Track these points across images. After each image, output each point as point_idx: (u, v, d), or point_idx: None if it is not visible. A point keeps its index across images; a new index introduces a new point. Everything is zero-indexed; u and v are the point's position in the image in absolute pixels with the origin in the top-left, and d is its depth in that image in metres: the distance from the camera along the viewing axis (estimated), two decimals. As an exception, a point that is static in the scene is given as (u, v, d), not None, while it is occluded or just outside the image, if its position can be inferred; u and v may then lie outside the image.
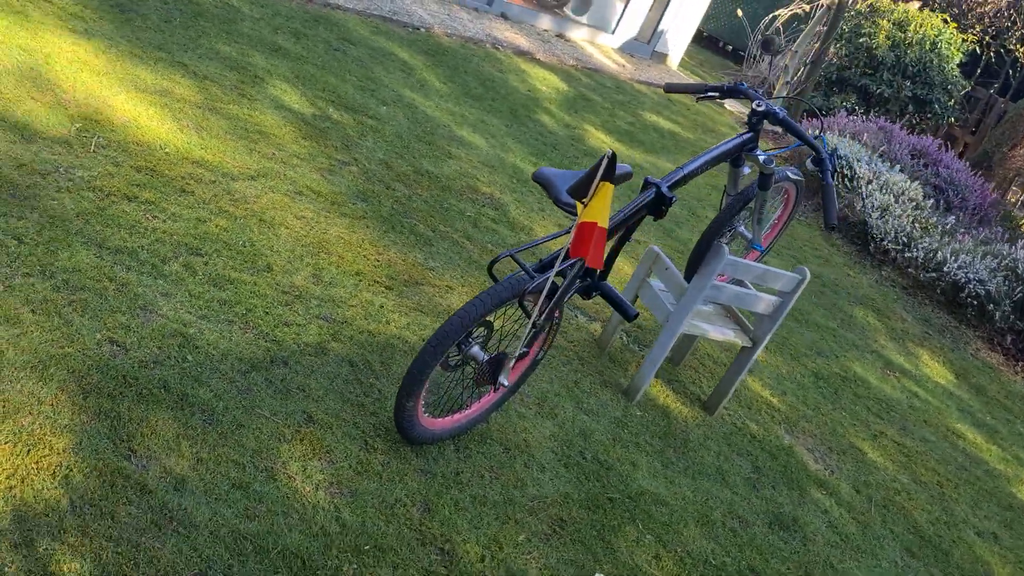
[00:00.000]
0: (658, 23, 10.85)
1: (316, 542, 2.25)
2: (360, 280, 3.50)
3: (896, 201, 7.08)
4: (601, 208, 2.28)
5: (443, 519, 2.54)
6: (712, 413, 3.86)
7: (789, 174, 3.57)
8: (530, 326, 2.72)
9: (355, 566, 2.24)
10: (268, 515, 2.27)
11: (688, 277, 3.51)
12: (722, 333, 3.69)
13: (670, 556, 2.87)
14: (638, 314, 3.05)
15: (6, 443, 2.11)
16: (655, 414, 3.61)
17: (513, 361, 2.74)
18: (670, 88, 3.22)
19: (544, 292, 2.62)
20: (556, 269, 2.58)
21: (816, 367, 4.83)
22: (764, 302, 3.62)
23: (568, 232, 2.76)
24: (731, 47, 14.09)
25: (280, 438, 2.54)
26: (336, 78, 5.47)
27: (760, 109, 3.06)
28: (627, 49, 10.81)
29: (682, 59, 11.30)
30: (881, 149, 7.94)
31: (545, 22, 9.76)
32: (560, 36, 9.79)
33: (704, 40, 14.11)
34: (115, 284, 2.82)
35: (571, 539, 2.74)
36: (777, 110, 3.10)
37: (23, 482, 2.04)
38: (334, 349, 3.02)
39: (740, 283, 3.83)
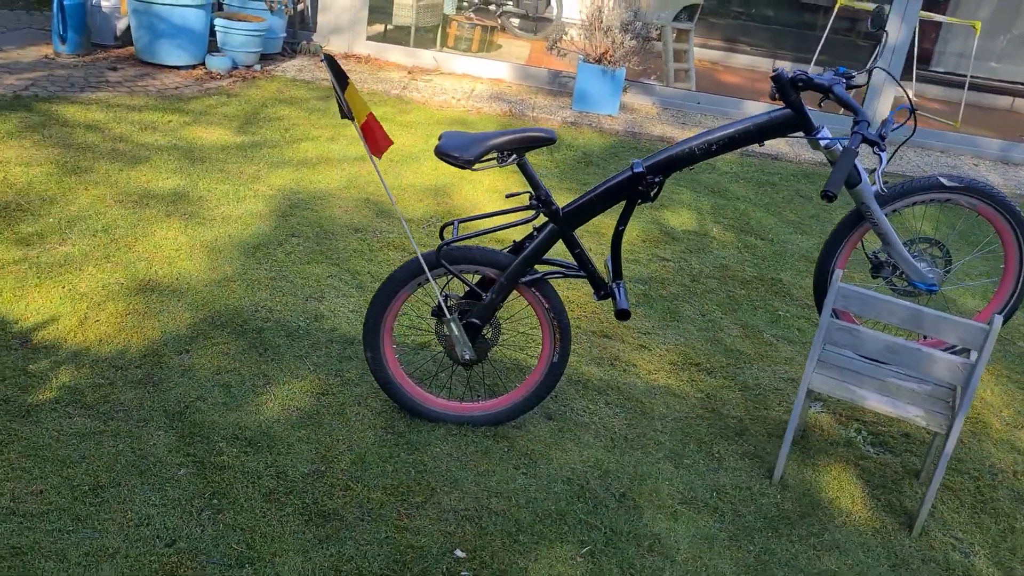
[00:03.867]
0: None
1: (209, 424, 2.77)
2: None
3: None
4: (357, 104, 2.41)
5: (349, 465, 2.73)
6: (910, 532, 2.85)
7: (944, 181, 2.64)
8: (488, 298, 2.78)
9: (216, 448, 2.68)
10: (207, 405, 2.88)
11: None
12: (896, 408, 2.80)
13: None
14: (626, 311, 2.73)
15: (110, 314, 3.21)
16: (793, 501, 2.88)
17: (458, 329, 2.80)
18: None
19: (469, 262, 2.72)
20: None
21: None
22: (942, 364, 2.66)
23: (515, 211, 2.80)
24: None
25: (296, 377, 3.11)
26: (766, 214, 5.59)
27: (773, 75, 2.52)
28: None
29: None
30: None
31: None
32: None
33: None
34: (317, 283, 3.80)
35: (459, 522, 2.56)
36: (805, 73, 2.49)
37: (94, 340, 3.09)
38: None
39: (961, 349, 2.87)
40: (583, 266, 2.81)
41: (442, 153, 2.56)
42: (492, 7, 10.86)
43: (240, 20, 6.97)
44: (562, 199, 2.96)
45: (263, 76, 7.00)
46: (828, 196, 2.27)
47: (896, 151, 2.89)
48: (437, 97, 7.17)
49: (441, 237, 2.83)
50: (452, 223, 2.81)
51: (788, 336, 3.99)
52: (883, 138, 2.47)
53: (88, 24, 6.81)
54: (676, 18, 8.55)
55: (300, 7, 8.15)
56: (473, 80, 7.95)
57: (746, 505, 2.84)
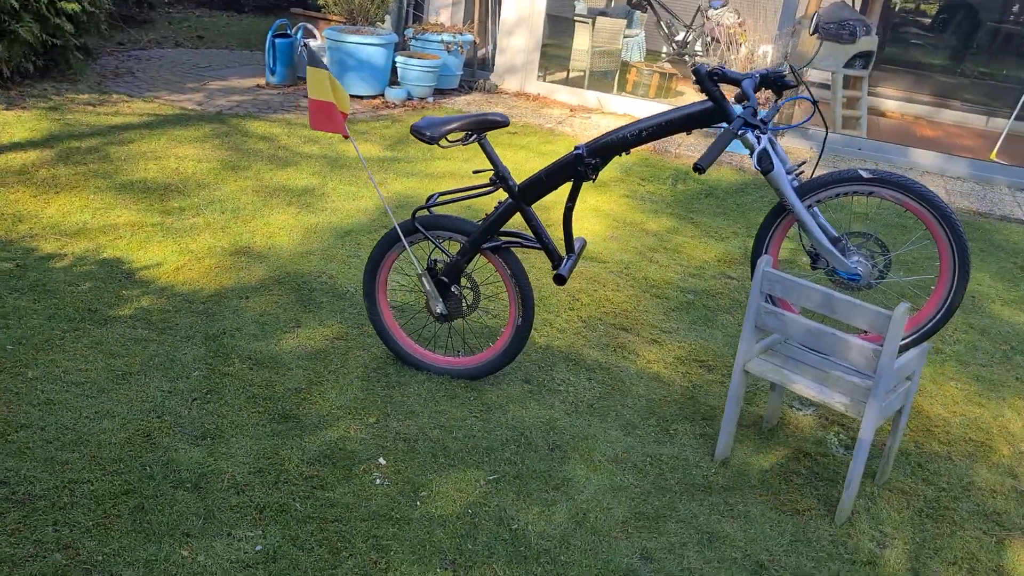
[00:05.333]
0: None
1: (233, 346, 3.39)
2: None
3: None
4: (316, 87, 2.93)
5: (328, 389, 3.26)
6: (834, 519, 2.93)
7: (863, 173, 2.75)
8: (454, 259, 3.24)
9: (229, 361, 3.32)
10: (240, 334, 3.53)
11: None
12: (821, 393, 2.91)
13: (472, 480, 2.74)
14: (562, 276, 3.07)
15: (203, 265, 3.97)
16: (726, 476, 3.04)
17: (429, 285, 3.26)
18: None
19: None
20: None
21: None
22: (855, 349, 2.78)
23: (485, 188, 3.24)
24: None
25: (322, 324, 3.71)
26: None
27: (693, 69, 2.76)
28: None
29: None
30: None
31: None
32: None
33: None
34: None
35: (396, 440, 3.00)
36: (722, 68, 2.72)
37: (179, 281, 3.85)
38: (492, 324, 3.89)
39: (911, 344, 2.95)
40: (538, 238, 3.18)
41: (415, 130, 3.07)
42: (686, 57, 11.22)
43: (418, 58, 7.90)
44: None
45: (432, 107, 7.86)
46: (698, 168, 2.53)
47: (821, 155, 3.03)
48: (587, 132, 7.66)
49: (427, 204, 3.32)
50: (433, 195, 3.29)
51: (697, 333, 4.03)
52: (765, 123, 2.67)
53: (295, 60, 8.02)
54: (849, 65, 8.48)
55: (482, 52, 9.01)
56: (631, 119, 8.36)
57: (674, 472, 3.04)
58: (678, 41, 11.46)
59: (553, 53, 9.39)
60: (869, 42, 8.47)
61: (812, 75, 9.31)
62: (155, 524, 2.46)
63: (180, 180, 5.18)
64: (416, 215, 3.22)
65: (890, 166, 7.68)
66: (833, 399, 2.86)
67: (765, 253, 3.06)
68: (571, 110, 8.46)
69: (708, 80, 2.78)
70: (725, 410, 3.08)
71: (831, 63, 8.41)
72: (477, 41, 8.77)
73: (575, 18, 9.46)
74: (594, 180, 3.05)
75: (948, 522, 2.94)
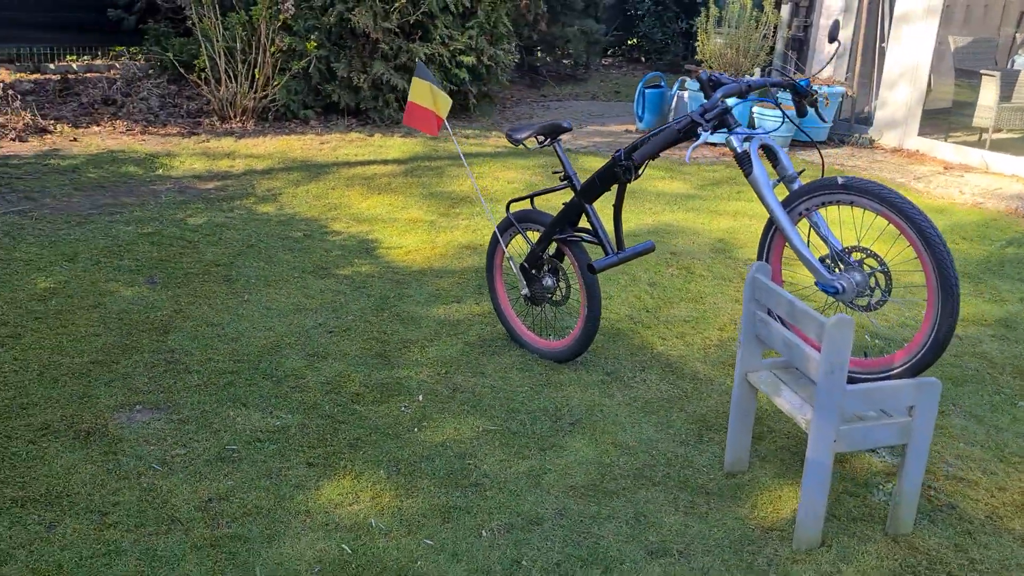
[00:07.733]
0: None
1: (379, 307, 4.24)
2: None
3: None
4: (418, 94, 3.55)
5: (432, 345, 3.95)
6: (795, 546, 2.84)
7: (840, 179, 2.58)
8: (532, 247, 3.72)
9: (374, 321, 4.18)
10: (398, 299, 4.39)
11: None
12: (795, 409, 2.83)
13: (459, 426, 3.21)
14: (592, 266, 3.35)
15: (426, 253, 4.91)
16: (720, 484, 3.02)
17: (516, 269, 3.76)
18: None
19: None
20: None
21: None
22: (812, 361, 2.71)
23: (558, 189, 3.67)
24: None
25: (478, 303, 4.40)
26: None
27: (696, 76, 2.84)
28: None
29: None
30: None
31: None
32: None
33: None
34: (579, 269, 4.96)
35: (446, 388, 3.57)
36: (719, 76, 2.78)
37: (398, 258, 4.83)
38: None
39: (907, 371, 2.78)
40: (595, 233, 3.50)
41: (507, 135, 3.65)
42: None
43: (773, 108, 8.06)
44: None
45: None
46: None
47: (823, 162, 2.82)
48: (941, 189, 7.13)
49: (532, 205, 3.83)
50: (534, 192, 3.79)
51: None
52: (708, 121, 2.68)
53: (664, 109, 8.73)
54: None
55: (867, 108, 8.74)
56: (1019, 181, 7.48)
57: (670, 467, 3.13)
58: None
59: (951, 108, 8.68)
60: None
61: None
62: (230, 394, 3.41)
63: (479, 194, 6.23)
64: (509, 208, 3.77)
65: None
66: (802, 415, 2.75)
67: (765, 261, 3.01)
68: (945, 168, 7.83)
69: (707, 86, 2.92)
70: (729, 420, 3.08)
71: None
72: (849, 93, 8.56)
73: (983, 72, 8.65)
74: (630, 181, 3.30)
75: (932, 585, 2.60)
